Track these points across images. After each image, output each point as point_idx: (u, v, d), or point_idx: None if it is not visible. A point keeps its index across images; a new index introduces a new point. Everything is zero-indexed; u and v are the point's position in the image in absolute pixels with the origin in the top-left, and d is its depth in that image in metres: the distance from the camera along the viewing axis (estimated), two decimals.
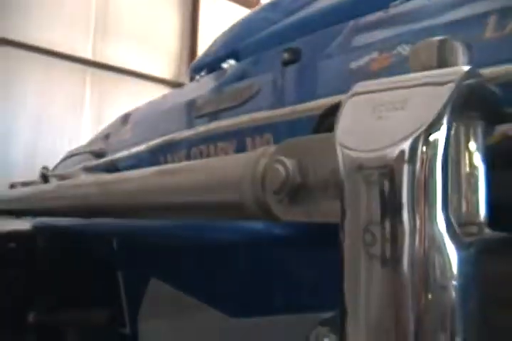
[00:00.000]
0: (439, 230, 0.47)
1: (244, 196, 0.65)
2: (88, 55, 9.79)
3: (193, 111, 1.77)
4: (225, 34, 2.36)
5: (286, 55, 1.52)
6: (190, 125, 1.73)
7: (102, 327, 2.22)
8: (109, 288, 2.11)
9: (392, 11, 1.37)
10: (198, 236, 1.52)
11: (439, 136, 0.47)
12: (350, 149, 0.51)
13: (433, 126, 0.47)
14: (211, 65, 2.23)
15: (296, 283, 1.46)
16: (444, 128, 0.48)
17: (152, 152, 1.83)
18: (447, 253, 0.47)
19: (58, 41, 9.26)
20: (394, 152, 0.48)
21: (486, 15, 0.99)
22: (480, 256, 0.50)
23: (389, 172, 0.48)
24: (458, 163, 0.51)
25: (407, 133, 0.48)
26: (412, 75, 0.53)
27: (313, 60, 1.47)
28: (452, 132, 0.49)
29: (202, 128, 1.60)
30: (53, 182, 2.09)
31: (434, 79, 0.50)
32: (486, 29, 0.96)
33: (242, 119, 1.43)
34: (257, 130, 1.36)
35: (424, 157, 0.47)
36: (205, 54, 2.46)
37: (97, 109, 9.74)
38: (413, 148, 0.47)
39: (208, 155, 1.51)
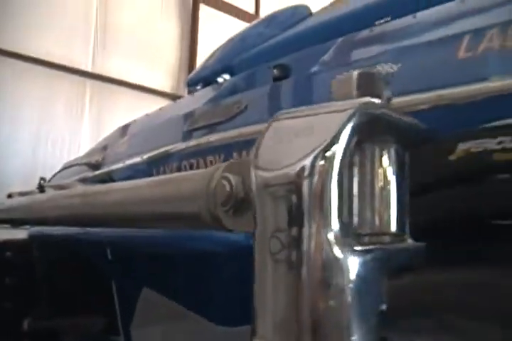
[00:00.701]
0: (334, 238, 0.53)
1: (200, 208, 0.73)
2: (88, 67, 9.83)
3: (186, 125, 1.81)
4: (220, 48, 2.40)
5: (275, 71, 1.56)
6: (184, 138, 1.76)
7: (96, 336, 2.25)
8: (104, 296, 2.13)
9: (377, 29, 1.42)
10: (187, 247, 1.55)
11: (336, 154, 0.54)
12: (260, 169, 0.60)
13: (330, 146, 0.54)
14: (206, 78, 2.27)
15: None
16: (341, 147, 0.54)
17: (146, 164, 1.87)
18: (343, 259, 0.52)
19: (58, 53, 9.29)
20: (295, 169, 0.55)
21: (460, 35, 1.03)
22: (380, 263, 0.55)
23: (292, 187, 0.55)
24: (372, 179, 0.58)
25: (308, 152, 0.55)
26: (322, 104, 0.60)
27: (302, 76, 1.51)
28: (361, 153, 0.57)
29: (192, 142, 1.64)
30: (48, 192, 2.13)
31: (338, 107, 0.57)
32: (459, 49, 1.01)
33: (230, 134, 1.47)
34: (244, 144, 1.40)
35: (322, 171, 0.54)
36: (201, 68, 2.50)
37: (96, 120, 9.76)
38: (312, 165, 0.54)
39: (198, 169, 1.55)
